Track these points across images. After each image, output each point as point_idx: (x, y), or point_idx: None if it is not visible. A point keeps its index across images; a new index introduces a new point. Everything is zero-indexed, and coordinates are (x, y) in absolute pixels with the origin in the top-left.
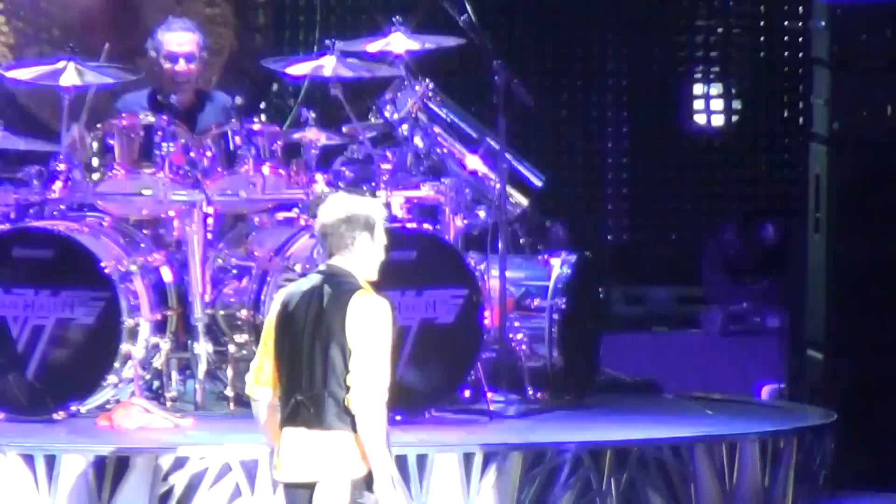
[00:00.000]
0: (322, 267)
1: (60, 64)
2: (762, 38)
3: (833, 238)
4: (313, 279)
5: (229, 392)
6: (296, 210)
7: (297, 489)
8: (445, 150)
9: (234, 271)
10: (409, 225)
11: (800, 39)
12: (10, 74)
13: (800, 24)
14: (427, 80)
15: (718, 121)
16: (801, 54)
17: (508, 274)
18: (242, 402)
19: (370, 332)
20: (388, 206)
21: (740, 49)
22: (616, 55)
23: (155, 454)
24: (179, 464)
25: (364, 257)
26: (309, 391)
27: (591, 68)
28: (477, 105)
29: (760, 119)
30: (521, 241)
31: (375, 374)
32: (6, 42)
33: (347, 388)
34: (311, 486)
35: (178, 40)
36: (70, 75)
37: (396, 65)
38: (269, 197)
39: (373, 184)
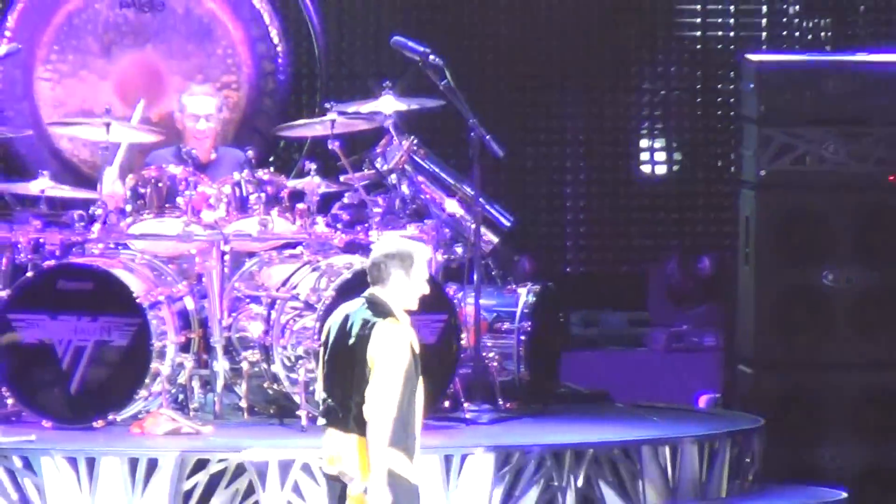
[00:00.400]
0: (366, 294)
1: (99, 121)
2: (699, 99)
3: (760, 269)
4: (356, 303)
5: (243, 404)
6: (300, 248)
7: (332, 480)
8: (428, 196)
9: (247, 300)
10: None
11: (731, 100)
12: (59, 131)
13: (731, 86)
14: (412, 137)
15: (662, 170)
16: (732, 112)
17: (482, 301)
18: (255, 412)
19: (386, 355)
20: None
21: (680, 108)
22: (575, 113)
23: (180, 457)
24: (201, 465)
25: (398, 290)
26: (339, 398)
27: (553, 124)
28: (455, 157)
29: (698, 168)
30: (493, 273)
31: (386, 390)
32: (60, 105)
33: (365, 400)
34: (340, 480)
35: (199, 103)
36: (107, 132)
37: (385, 123)
38: (276, 237)
39: (366, 225)
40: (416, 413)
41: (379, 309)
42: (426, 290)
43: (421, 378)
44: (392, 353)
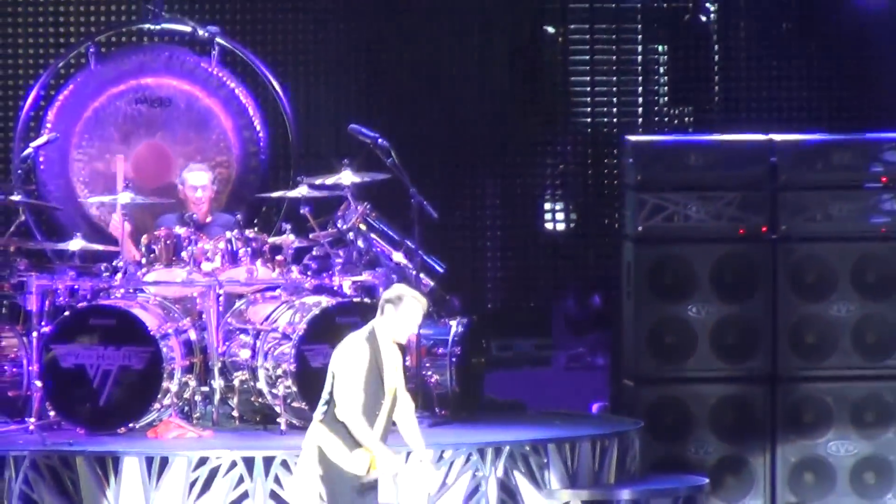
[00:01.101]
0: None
1: (124, 196)
2: (590, 171)
3: (638, 304)
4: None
5: (235, 413)
6: (279, 290)
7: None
8: (379, 249)
9: (238, 332)
10: (355, 300)
11: (615, 171)
12: (89, 201)
13: (615, 161)
14: (366, 203)
15: (561, 226)
16: (615, 181)
17: (422, 331)
18: (244, 420)
19: (342, 363)
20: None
21: (575, 178)
22: (493, 183)
23: (186, 455)
24: (202, 462)
25: (387, 321)
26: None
27: (475, 192)
28: (399, 218)
29: (590, 225)
30: (430, 309)
31: (344, 393)
32: (85, 181)
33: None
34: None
35: (197, 178)
36: (127, 201)
37: (344, 192)
38: (260, 282)
39: (330, 272)
40: (378, 413)
41: (364, 331)
42: (412, 331)
43: (385, 377)
44: (346, 362)
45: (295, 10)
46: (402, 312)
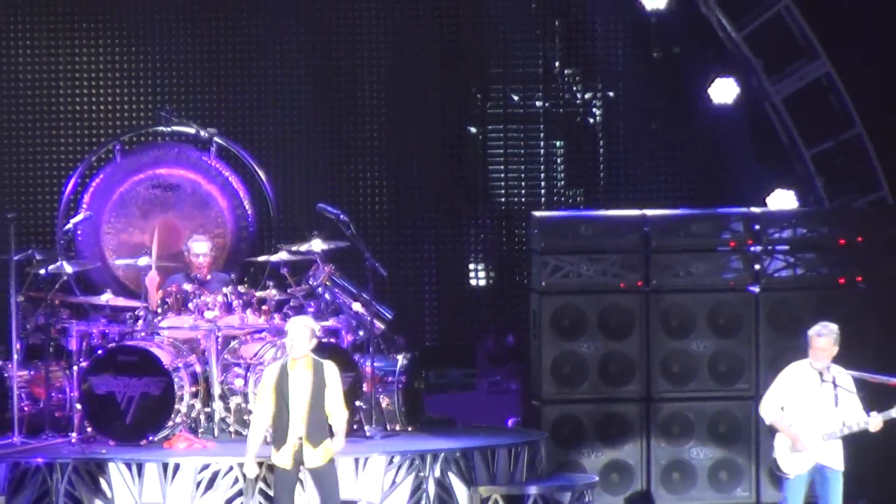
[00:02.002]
0: None
1: (142, 259)
2: (504, 239)
3: (543, 342)
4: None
5: (232, 429)
6: (264, 333)
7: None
8: (341, 301)
9: (233, 365)
10: (323, 340)
11: (524, 239)
12: (116, 264)
13: (524, 231)
14: (331, 264)
15: (483, 282)
16: (524, 247)
17: (375, 364)
18: (239, 433)
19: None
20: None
21: (493, 245)
22: (429, 248)
23: (194, 461)
24: (206, 466)
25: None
26: None
27: (417, 256)
28: (357, 276)
29: (505, 280)
30: (381, 346)
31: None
32: (113, 248)
33: None
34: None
35: (199, 247)
36: (146, 264)
37: (314, 256)
38: (250, 326)
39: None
40: (281, 418)
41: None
42: (294, 347)
43: (290, 393)
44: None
45: (274, 107)
46: (289, 338)
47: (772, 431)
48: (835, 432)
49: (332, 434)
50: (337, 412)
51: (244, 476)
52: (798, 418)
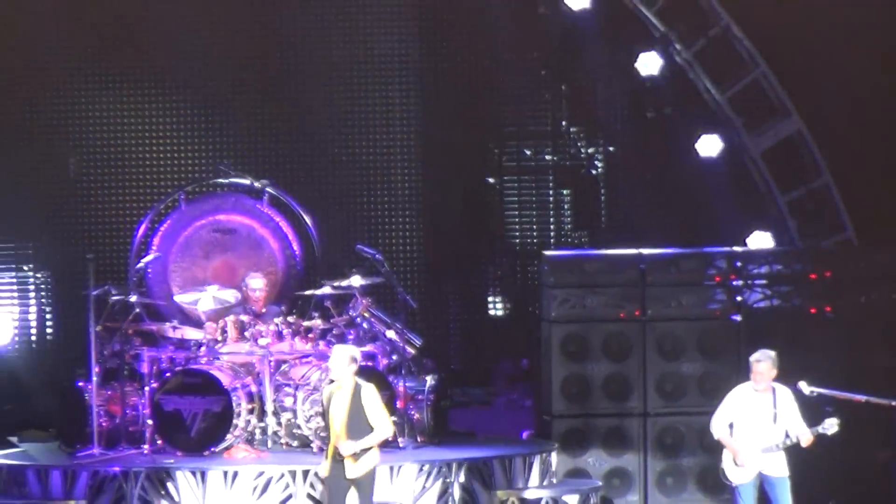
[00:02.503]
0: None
1: (203, 294)
2: (519, 276)
3: (553, 365)
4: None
5: (283, 441)
6: (311, 357)
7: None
8: (377, 329)
9: (284, 386)
10: (361, 363)
11: (537, 275)
12: (178, 299)
13: (537, 268)
14: (368, 298)
15: (501, 312)
16: (537, 282)
17: (407, 384)
18: (289, 445)
19: None
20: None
21: (510, 281)
22: (454, 282)
23: (251, 469)
24: (260, 473)
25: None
26: None
27: (442, 288)
28: (390, 308)
29: (520, 312)
30: (413, 369)
31: None
32: (179, 285)
33: None
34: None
35: (255, 283)
36: (208, 298)
37: (354, 290)
38: (298, 352)
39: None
40: (328, 434)
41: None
42: (335, 371)
43: (332, 411)
44: None
45: (319, 160)
46: (330, 363)
47: (720, 446)
48: (772, 446)
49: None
50: (377, 428)
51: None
52: (742, 434)
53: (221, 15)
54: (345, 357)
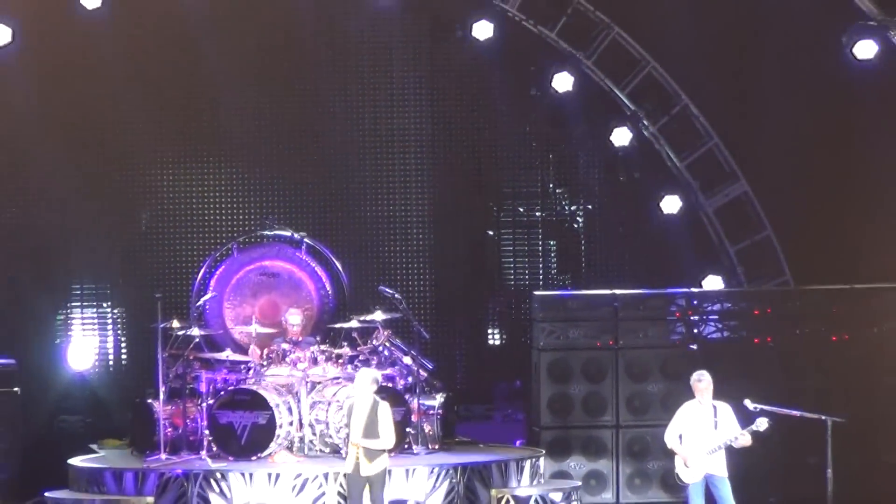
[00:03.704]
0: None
1: (251, 327)
2: (513, 312)
3: (542, 386)
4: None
5: (317, 448)
6: (340, 379)
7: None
8: (396, 356)
9: (318, 403)
10: (382, 384)
11: (528, 311)
12: (234, 330)
13: (528, 306)
14: (388, 330)
15: (498, 341)
16: (528, 316)
17: (420, 401)
18: (323, 452)
19: None
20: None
21: (505, 314)
22: (460, 318)
23: (290, 471)
24: (298, 474)
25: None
26: None
27: (449, 323)
28: (407, 338)
29: (515, 341)
30: (425, 388)
31: None
32: (232, 319)
33: None
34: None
35: (294, 318)
36: (255, 331)
37: (376, 323)
38: (330, 375)
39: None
40: (348, 439)
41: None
42: (360, 389)
43: (352, 419)
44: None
45: (348, 215)
46: (356, 383)
47: (671, 453)
48: (714, 448)
49: (387, 452)
50: (382, 437)
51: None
52: (690, 441)
53: (271, 91)
54: (368, 378)
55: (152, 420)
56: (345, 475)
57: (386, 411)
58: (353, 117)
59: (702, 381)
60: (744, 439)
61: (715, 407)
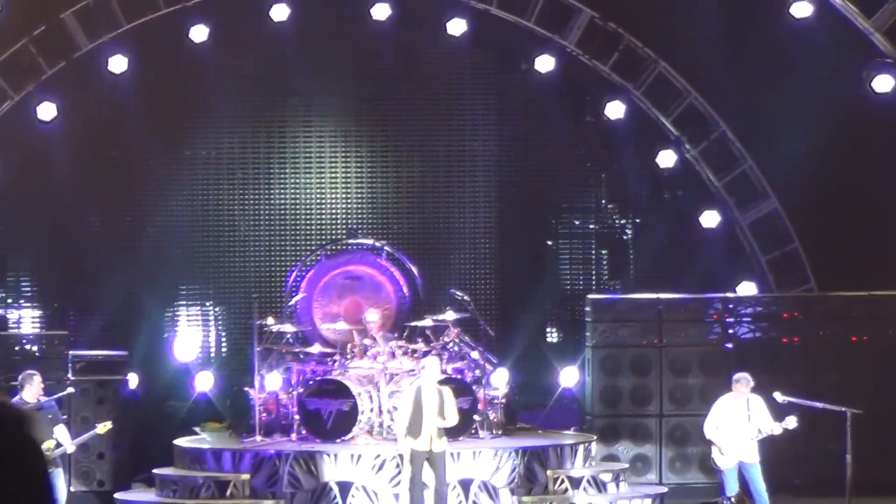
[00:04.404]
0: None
1: (337, 324)
2: (568, 314)
3: (595, 379)
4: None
5: (394, 432)
6: (416, 371)
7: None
8: (465, 351)
9: (395, 393)
10: (452, 376)
11: (582, 313)
12: (323, 327)
13: (585, 308)
14: (458, 328)
15: (555, 340)
16: (582, 318)
17: (486, 391)
18: (395, 437)
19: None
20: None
21: (562, 316)
22: (521, 316)
23: (370, 451)
24: (377, 455)
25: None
26: None
27: (511, 323)
28: (474, 335)
29: (569, 340)
30: (490, 381)
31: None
32: (320, 318)
33: None
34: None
35: (373, 316)
36: (341, 327)
37: (448, 322)
38: (406, 367)
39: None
40: (416, 420)
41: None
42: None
43: (424, 404)
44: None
45: (424, 225)
46: (425, 371)
47: (709, 441)
48: (752, 437)
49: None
50: (450, 416)
51: (401, 455)
52: (725, 431)
53: (357, 115)
54: (437, 366)
55: (248, 406)
56: (410, 452)
57: (450, 395)
58: (429, 139)
59: (740, 381)
60: (777, 431)
61: (748, 400)
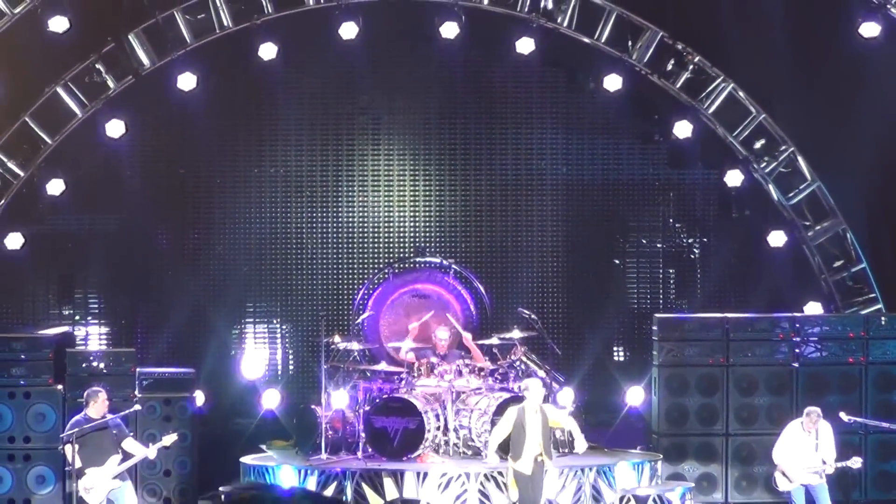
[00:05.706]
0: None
1: (404, 342)
2: (635, 332)
3: (662, 398)
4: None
5: (461, 451)
6: (482, 389)
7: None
8: (532, 370)
9: (462, 410)
10: (520, 394)
11: (649, 332)
12: (389, 345)
13: (649, 327)
14: (525, 346)
15: (622, 358)
16: (649, 337)
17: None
18: (466, 454)
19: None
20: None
21: (629, 335)
22: (588, 335)
23: (437, 470)
24: (444, 473)
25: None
26: None
27: (580, 341)
28: (541, 354)
29: (636, 358)
30: (557, 398)
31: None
32: (386, 336)
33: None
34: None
35: (442, 334)
36: (408, 345)
37: (515, 341)
38: (473, 385)
39: (508, 381)
40: (519, 441)
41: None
42: (540, 399)
43: (527, 425)
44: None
45: (490, 244)
46: (528, 392)
47: (776, 467)
48: (815, 470)
49: (571, 439)
50: (567, 422)
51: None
52: (793, 459)
53: (425, 135)
54: (540, 388)
55: (315, 424)
56: (513, 473)
57: (553, 409)
58: (497, 157)
59: (809, 415)
60: (833, 469)
61: (818, 430)
